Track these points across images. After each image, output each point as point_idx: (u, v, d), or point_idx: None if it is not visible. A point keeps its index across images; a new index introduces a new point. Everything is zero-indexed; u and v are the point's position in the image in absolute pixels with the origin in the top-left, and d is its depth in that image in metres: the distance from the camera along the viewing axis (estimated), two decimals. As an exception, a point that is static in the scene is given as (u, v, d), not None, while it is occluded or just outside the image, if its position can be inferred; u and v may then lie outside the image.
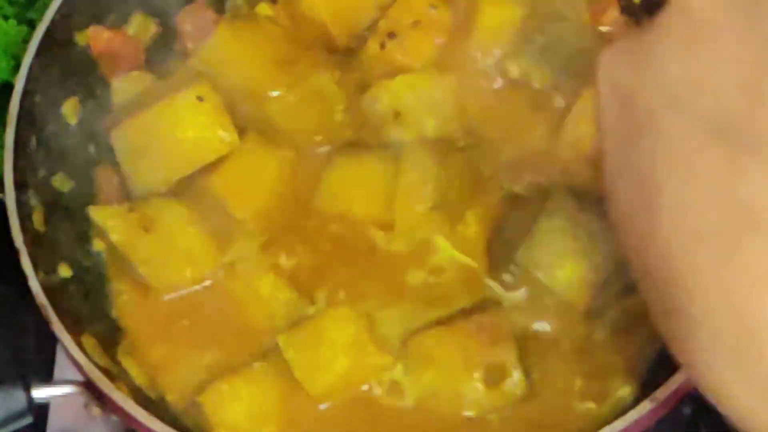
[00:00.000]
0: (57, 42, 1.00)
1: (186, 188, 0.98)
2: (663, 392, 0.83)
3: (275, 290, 0.95)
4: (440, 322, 0.93)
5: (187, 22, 1.06)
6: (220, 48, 1.03)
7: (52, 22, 1.00)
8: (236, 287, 0.96)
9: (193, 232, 0.96)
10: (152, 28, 1.06)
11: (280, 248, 0.97)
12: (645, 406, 0.83)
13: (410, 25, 1.02)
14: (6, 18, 1.11)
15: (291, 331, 0.92)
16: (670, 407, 0.86)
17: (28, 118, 0.97)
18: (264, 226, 0.98)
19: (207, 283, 0.97)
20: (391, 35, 1.03)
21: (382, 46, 1.03)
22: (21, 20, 1.12)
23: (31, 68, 0.98)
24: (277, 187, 0.99)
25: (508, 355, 0.91)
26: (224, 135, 0.98)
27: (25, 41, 1.03)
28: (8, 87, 1.00)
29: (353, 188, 0.98)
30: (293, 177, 0.99)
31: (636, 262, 0.69)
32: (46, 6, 1.01)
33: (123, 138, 0.99)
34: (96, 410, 0.88)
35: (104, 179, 1.01)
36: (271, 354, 0.92)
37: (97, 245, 0.99)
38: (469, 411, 0.90)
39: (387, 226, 0.97)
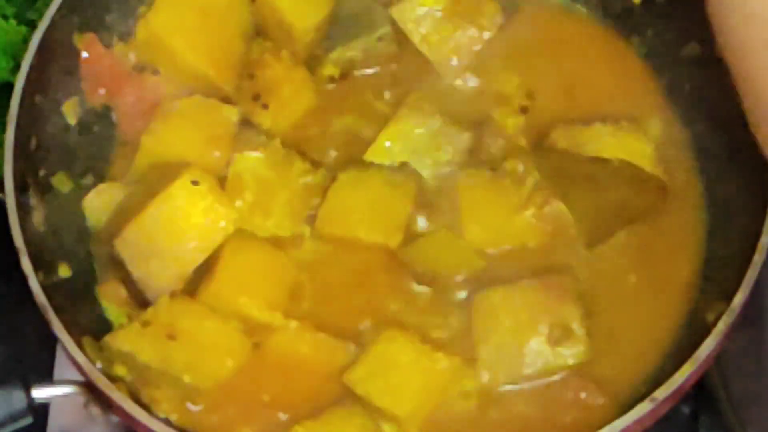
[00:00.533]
0: (57, 42, 1.00)
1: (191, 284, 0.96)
2: (663, 392, 0.83)
3: (317, 349, 0.94)
4: (506, 281, 0.94)
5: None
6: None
7: (52, 22, 0.99)
8: (278, 356, 0.95)
9: (216, 326, 0.94)
10: None
11: (302, 303, 0.97)
12: (645, 406, 0.83)
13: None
14: (6, 18, 1.11)
15: (353, 369, 0.92)
16: (670, 407, 0.86)
17: (28, 118, 0.97)
18: (279, 305, 0.96)
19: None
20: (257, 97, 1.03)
21: (265, 107, 1.02)
22: (21, 20, 1.12)
23: (31, 68, 0.97)
24: (278, 273, 0.98)
25: (573, 314, 0.92)
26: (227, 212, 0.96)
27: (25, 41, 1.03)
28: (8, 87, 1.00)
29: (357, 211, 0.98)
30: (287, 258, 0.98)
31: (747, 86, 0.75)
32: (46, 6, 1.01)
33: (128, 244, 0.96)
34: (96, 410, 0.88)
35: (110, 296, 0.98)
36: (343, 400, 0.92)
37: (119, 371, 0.93)
38: (529, 369, 0.91)
39: (393, 252, 0.97)
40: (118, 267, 0.97)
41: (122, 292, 0.98)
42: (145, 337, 0.92)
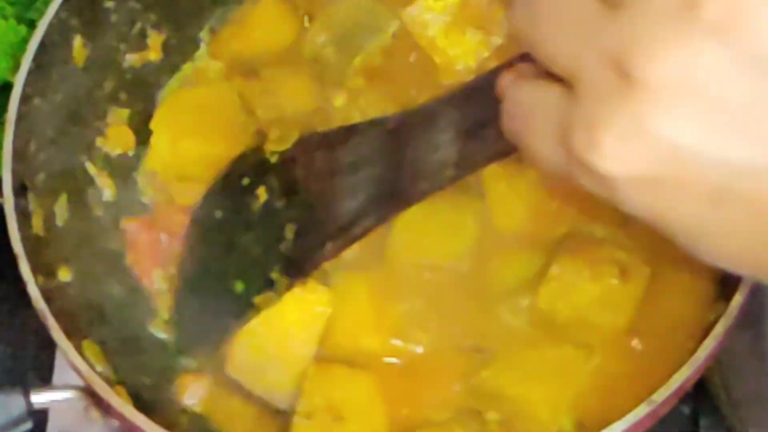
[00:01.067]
0: (56, 43, 0.99)
1: None
2: (661, 394, 0.83)
3: (445, 359, 0.94)
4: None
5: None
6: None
7: (52, 22, 0.99)
8: (411, 374, 0.95)
9: (360, 379, 0.94)
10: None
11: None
12: (643, 409, 0.83)
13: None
14: (6, 18, 1.11)
15: (485, 369, 0.92)
16: (669, 408, 0.86)
17: (27, 120, 0.96)
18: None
19: None
20: None
21: None
22: (21, 20, 1.12)
23: (30, 69, 0.97)
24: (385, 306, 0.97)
25: (620, 255, 0.93)
26: (318, 297, 0.95)
27: (25, 41, 1.02)
28: (8, 87, 1.00)
29: (426, 237, 0.97)
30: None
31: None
32: (46, 6, 1.00)
33: (241, 365, 0.95)
34: (96, 415, 0.88)
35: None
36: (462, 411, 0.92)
37: None
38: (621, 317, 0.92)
39: (469, 277, 0.97)
40: (235, 388, 0.96)
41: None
42: (316, 430, 0.92)
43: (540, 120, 0.62)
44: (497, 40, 1.04)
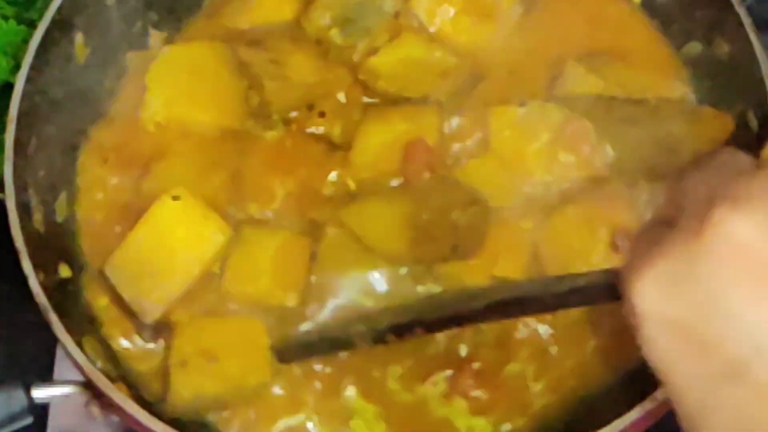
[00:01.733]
0: (57, 42, 1.00)
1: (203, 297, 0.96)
2: (663, 392, 0.83)
3: None
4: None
5: None
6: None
7: (52, 22, 0.99)
8: None
9: (235, 321, 0.95)
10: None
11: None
12: (645, 407, 0.83)
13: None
14: (6, 18, 1.11)
15: None
16: (670, 407, 0.85)
17: (28, 118, 0.96)
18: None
19: None
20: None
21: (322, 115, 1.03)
22: (21, 20, 1.12)
23: (31, 68, 0.97)
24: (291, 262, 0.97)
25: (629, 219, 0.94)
26: (213, 225, 0.95)
27: (25, 41, 1.03)
28: (8, 87, 1.00)
29: (378, 227, 0.98)
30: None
31: None
32: (46, 6, 1.00)
33: (119, 268, 0.95)
34: (96, 410, 0.88)
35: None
36: None
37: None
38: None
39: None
40: (108, 284, 0.96)
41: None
42: (192, 374, 0.92)
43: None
44: (504, 29, 1.05)
